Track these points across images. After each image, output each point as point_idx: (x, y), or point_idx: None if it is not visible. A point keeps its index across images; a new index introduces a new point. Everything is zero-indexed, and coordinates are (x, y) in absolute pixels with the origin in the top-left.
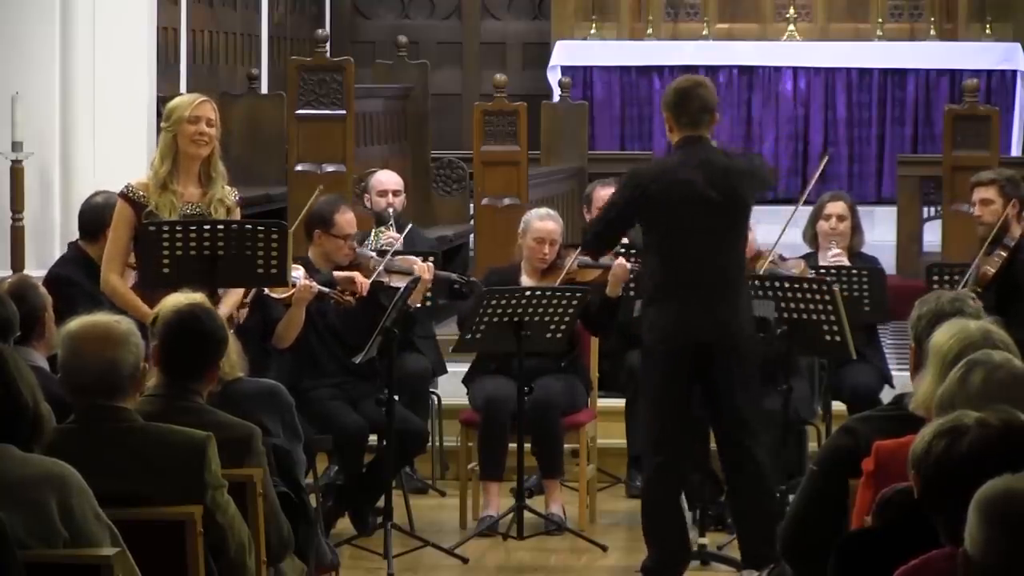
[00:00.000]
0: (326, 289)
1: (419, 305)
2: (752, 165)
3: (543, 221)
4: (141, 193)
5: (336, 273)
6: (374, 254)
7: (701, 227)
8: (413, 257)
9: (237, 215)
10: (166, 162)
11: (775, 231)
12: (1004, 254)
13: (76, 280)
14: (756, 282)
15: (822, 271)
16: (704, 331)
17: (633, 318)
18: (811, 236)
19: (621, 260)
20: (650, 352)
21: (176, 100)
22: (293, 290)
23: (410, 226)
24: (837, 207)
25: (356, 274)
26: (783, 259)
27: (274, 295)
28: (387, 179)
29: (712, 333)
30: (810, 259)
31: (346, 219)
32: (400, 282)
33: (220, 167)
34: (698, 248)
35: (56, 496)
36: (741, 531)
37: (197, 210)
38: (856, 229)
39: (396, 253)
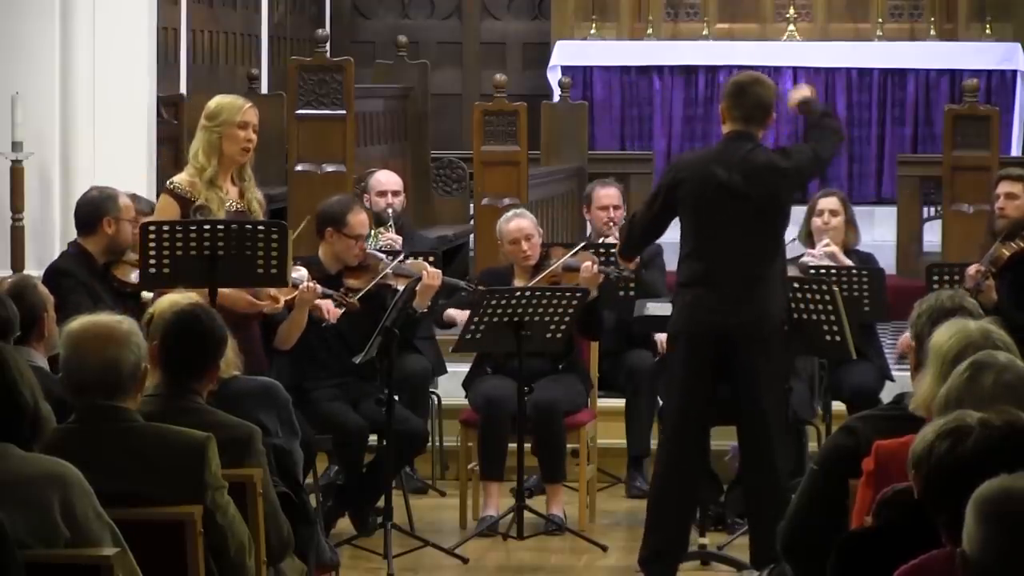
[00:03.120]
0: (330, 291)
1: (425, 310)
2: (796, 163)
3: (511, 222)
4: (187, 189)
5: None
6: (384, 256)
7: (730, 221)
8: (422, 262)
9: (262, 215)
10: (212, 161)
11: None
12: (1022, 244)
13: (71, 271)
14: None
15: (812, 271)
16: (724, 323)
17: (634, 318)
18: (806, 234)
19: (588, 263)
20: (674, 338)
21: (221, 101)
22: (296, 292)
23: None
24: (829, 202)
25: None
26: None
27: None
28: (386, 179)
29: (733, 326)
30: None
31: (359, 219)
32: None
33: (249, 168)
34: (726, 241)
35: (58, 495)
36: (753, 531)
37: (239, 208)
38: (850, 225)
39: (406, 257)
